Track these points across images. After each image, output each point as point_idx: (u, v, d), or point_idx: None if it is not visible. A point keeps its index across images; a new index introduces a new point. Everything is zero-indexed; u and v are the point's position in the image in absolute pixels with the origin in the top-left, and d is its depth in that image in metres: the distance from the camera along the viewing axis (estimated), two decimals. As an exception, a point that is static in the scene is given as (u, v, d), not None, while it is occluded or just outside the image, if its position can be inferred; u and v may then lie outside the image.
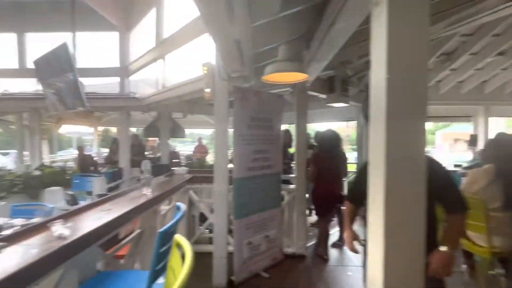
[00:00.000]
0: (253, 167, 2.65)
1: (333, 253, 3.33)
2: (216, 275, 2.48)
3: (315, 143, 3.86)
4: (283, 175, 3.42)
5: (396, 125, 0.85)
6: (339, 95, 3.40)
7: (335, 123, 5.68)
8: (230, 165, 2.59)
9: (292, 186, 3.39)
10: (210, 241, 3.17)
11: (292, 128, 3.46)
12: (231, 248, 2.62)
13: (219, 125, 2.39)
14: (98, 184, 3.55)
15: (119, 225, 1.49)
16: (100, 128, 10.63)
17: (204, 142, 8.63)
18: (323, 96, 3.66)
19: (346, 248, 2.85)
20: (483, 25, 3.29)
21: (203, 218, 3.35)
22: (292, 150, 3.62)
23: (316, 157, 3.34)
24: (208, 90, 2.38)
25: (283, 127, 4.12)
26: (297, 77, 1.66)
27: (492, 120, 5.11)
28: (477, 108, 4.82)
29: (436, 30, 2.25)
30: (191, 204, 3.34)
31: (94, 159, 6.40)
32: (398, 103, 0.85)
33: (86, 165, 5.55)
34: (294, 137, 3.34)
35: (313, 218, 3.91)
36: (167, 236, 1.11)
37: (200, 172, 3.64)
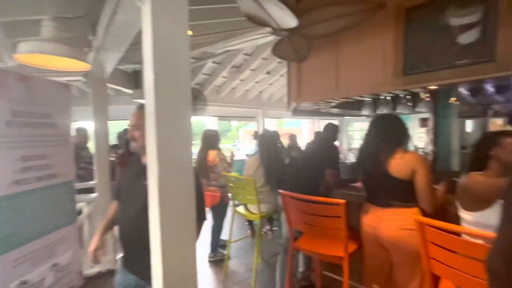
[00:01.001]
0: (22, 179, 1.95)
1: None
2: None
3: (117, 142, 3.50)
4: (80, 183, 2.82)
5: (165, 125, 0.91)
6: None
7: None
8: None
9: (94, 195, 2.87)
10: None
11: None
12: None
13: None
14: None
15: None
16: None
17: None
18: (129, 91, 3.38)
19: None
20: (258, 47, 4.42)
21: None
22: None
23: (123, 157, 3.04)
24: None
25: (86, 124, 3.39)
26: (74, 65, 1.38)
27: (267, 120, 7.07)
28: (258, 111, 6.50)
29: (223, 44, 2.72)
30: None
31: None
32: (165, 103, 0.91)
33: None
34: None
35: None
36: None
37: None
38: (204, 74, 4.76)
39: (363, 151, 1.71)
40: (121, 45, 1.69)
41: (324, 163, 2.19)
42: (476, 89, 1.81)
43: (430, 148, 3.59)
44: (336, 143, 2.53)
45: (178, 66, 0.93)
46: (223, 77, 4.95)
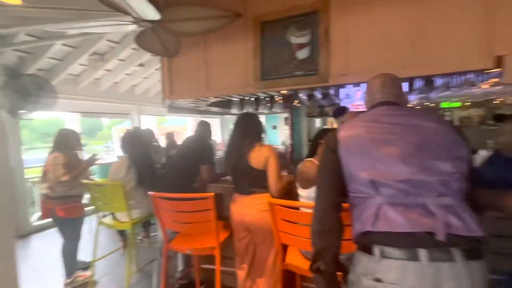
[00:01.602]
0: None
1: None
2: None
3: None
4: None
5: None
6: None
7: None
8: None
9: None
10: None
11: None
12: None
13: None
14: None
15: None
16: None
17: None
18: None
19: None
20: (126, 36, 3.93)
21: None
22: None
23: None
24: None
25: None
26: None
27: (145, 118, 6.45)
28: (132, 107, 5.82)
29: (70, 25, 2.23)
30: None
31: None
32: None
33: None
34: None
35: None
36: None
37: None
38: (51, 58, 3.78)
39: (229, 146, 1.87)
40: None
41: (199, 159, 2.23)
42: (310, 95, 2.37)
43: (289, 141, 4.38)
44: (213, 139, 2.64)
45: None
46: (81, 64, 4.11)
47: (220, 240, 1.78)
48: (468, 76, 1.73)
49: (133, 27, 1.86)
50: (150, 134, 3.59)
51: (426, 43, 1.62)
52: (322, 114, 4.06)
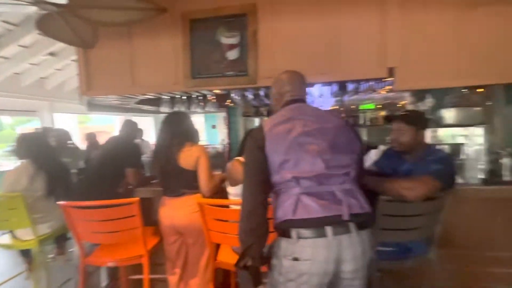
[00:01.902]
0: None
1: None
2: None
3: None
4: None
5: None
6: None
7: None
8: None
9: None
10: None
11: None
12: None
13: None
14: None
15: None
16: None
17: None
18: None
19: None
20: (29, 18, 3.29)
21: None
22: None
23: None
24: None
25: None
26: None
27: (61, 116, 5.54)
28: (42, 104, 4.92)
29: None
30: None
31: None
32: None
33: None
34: None
35: None
36: None
37: None
38: None
39: (158, 147, 1.77)
40: None
41: (124, 162, 2.04)
42: (242, 95, 2.43)
43: (227, 141, 4.40)
44: (144, 139, 2.44)
45: None
46: (-37, 49, 3.28)
47: (148, 247, 1.67)
48: (370, 83, 2.06)
49: (33, 9, 1.58)
50: (64, 135, 3.11)
51: (338, 53, 1.85)
52: (258, 114, 4.20)
